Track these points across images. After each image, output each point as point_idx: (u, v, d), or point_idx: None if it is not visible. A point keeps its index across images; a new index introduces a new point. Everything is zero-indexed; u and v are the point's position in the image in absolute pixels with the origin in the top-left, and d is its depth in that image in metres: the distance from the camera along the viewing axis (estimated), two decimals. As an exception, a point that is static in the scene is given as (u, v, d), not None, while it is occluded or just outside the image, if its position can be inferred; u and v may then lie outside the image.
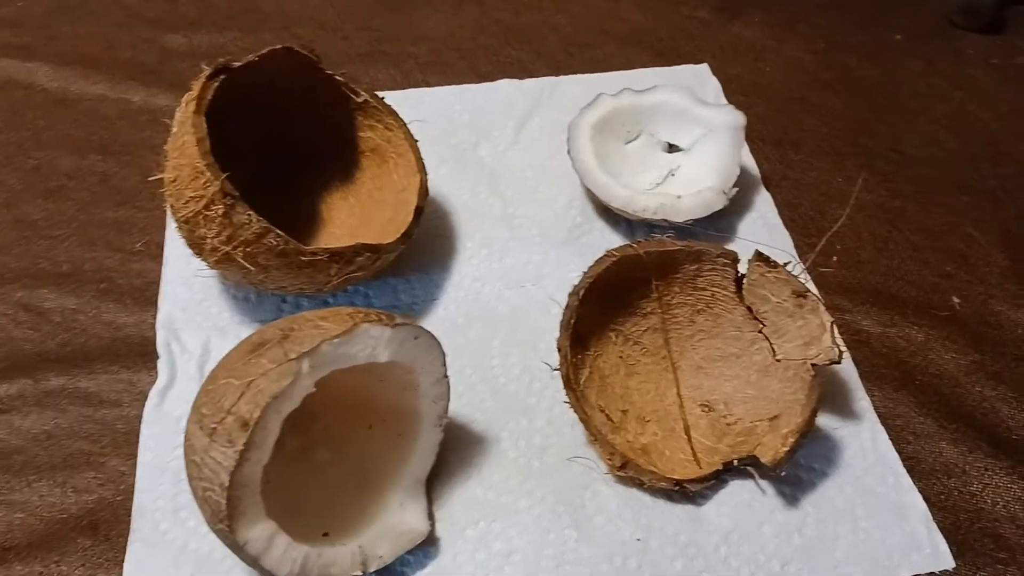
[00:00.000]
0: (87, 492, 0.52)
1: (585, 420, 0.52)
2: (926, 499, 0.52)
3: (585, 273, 0.54)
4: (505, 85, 0.76)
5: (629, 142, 0.69)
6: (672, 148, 0.69)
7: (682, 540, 0.50)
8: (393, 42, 0.81)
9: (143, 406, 0.55)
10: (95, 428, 0.55)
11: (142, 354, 0.58)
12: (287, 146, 0.64)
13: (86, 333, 0.60)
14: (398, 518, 0.49)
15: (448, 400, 0.50)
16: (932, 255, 0.66)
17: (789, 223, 0.67)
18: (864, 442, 0.55)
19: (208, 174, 0.51)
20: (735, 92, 0.77)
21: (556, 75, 0.78)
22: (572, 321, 0.53)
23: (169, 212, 0.64)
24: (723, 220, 0.66)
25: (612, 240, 0.65)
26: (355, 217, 0.64)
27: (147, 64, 0.77)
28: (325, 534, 0.48)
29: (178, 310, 0.60)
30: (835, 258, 0.64)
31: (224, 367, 0.44)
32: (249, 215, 0.51)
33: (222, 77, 0.55)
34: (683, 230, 0.62)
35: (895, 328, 0.61)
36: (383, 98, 0.62)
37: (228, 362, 0.44)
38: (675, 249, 0.55)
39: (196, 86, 0.54)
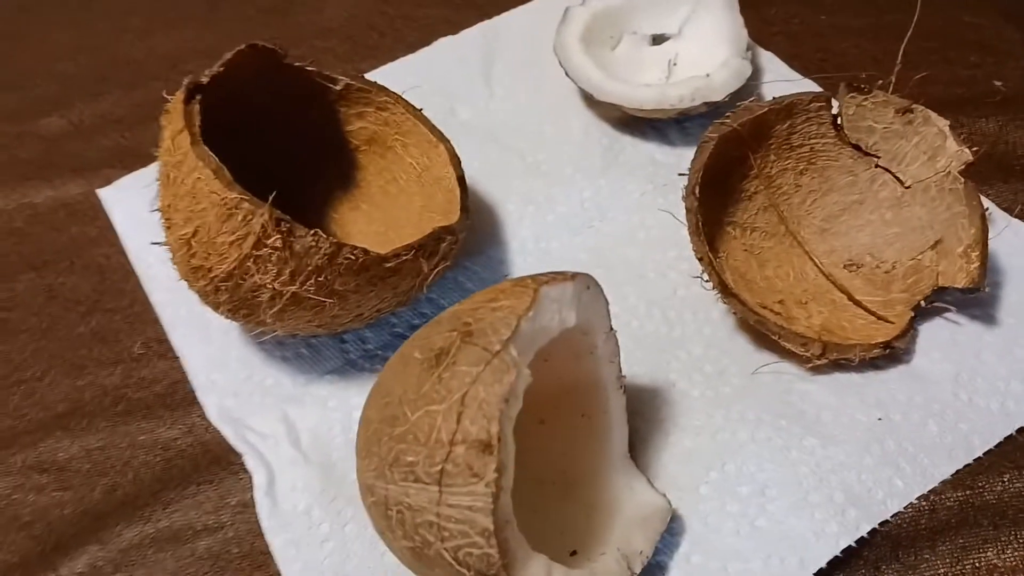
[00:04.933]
0: (240, 641, 0.41)
1: (761, 322, 0.45)
2: (1100, 266, 0.50)
3: (691, 169, 0.47)
4: (445, 44, 0.68)
5: (614, 48, 0.63)
6: (658, 40, 0.63)
7: (919, 402, 0.45)
8: (298, 45, 0.71)
9: (251, 517, 0.44)
10: (206, 566, 0.43)
11: (213, 461, 0.47)
12: (273, 165, 0.53)
13: (130, 466, 0.47)
14: (635, 504, 0.41)
15: (620, 355, 0.42)
16: (952, 54, 0.63)
17: (805, 72, 0.63)
18: (1008, 239, 0.51)
19: (247, 205, 0.40)
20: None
21: (485, 19, 0.71)
22: (700, 224, 0.46)
23: (155, 296, 0.53)
24: (744, 92, 0.61)
25: (649, 150, 0.59)
26: (376, 222, 0.55)
27: (33, 159, 0.64)
28: (573, 553, 0.39)
29: (228, 398, 0.49)
30: (880, 82, 0.60)
31: (402, 401, 0.34)
32: (315, 235, 0.41)
33: (199, 97, 0.44)
34: (717, 112, 0.56)
35: (964, 128, 0.58)
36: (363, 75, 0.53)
37: (405, 393, 0.35)
38: (765, 111, 0.49)
39: (174, 117, 0.44)
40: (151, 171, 0.60)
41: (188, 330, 0.52)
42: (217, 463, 0.47)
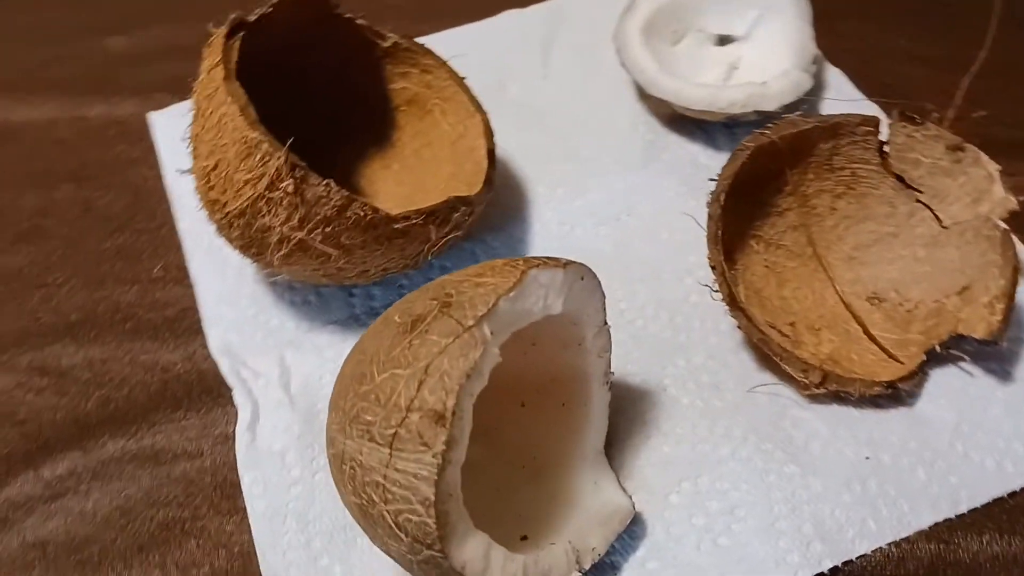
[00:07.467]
0: (195, 566, 0.42)
1: (764, 341, 0.44)
2: None
3: (720, 175, 0.46)
4: (510, 17, 0.68)
5: (676, 43, 0.62)
6: (724, 40, 0.62)
7: (912, 447, 0.43)
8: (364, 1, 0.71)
9: (229, 450, 0.45)
10: (178, 489, 0.45)
11: (205, 391, 0.48)
12: (309, 115, 0.54)
13: (127, 383, 0.49)
14: (597, 501, 0.40)
15: (611, 352, 0.42)
16: (1020, 92, 0.60)
17: (868, 94, 0.60)
18: (1047, 296, 0.49)
19: (266, 147, 0.41)
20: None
21: (556, -3, 0.70)
22: (719, 233, 0.45)
23: (179, 224, 0.54)
24: (802, 105, 0.59)
25: (693, 151, 0.58)
26: (404, 185, 0.55)
27: (93, 75, 0.66)
28: (524, 537, 0.39)
29: (232, 333, 0.50)
30: (936, 115, 0.57)
31: (373, 360, 0.35)
32: (327, 186, 0.41)
33: (241, 35, 0.45)
34: (769, 121, 0.55)
35: (1021, 176, 0.55)
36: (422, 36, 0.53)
37: (377, 353, 0.35)
38: (809, 127, 0.47)
39: (214, 50, 0.44)
40: (199, 102, 0.61)
41: (206, 261, 0.53)
42: (208, 393, 0.48)
